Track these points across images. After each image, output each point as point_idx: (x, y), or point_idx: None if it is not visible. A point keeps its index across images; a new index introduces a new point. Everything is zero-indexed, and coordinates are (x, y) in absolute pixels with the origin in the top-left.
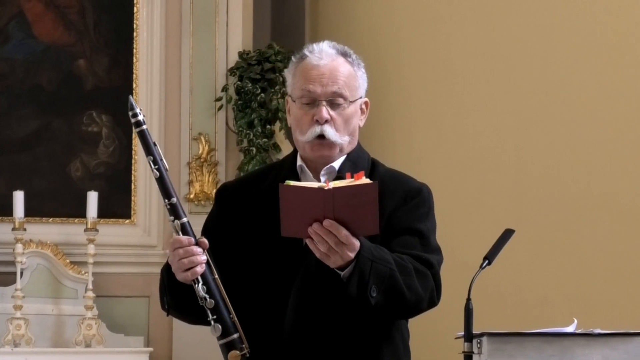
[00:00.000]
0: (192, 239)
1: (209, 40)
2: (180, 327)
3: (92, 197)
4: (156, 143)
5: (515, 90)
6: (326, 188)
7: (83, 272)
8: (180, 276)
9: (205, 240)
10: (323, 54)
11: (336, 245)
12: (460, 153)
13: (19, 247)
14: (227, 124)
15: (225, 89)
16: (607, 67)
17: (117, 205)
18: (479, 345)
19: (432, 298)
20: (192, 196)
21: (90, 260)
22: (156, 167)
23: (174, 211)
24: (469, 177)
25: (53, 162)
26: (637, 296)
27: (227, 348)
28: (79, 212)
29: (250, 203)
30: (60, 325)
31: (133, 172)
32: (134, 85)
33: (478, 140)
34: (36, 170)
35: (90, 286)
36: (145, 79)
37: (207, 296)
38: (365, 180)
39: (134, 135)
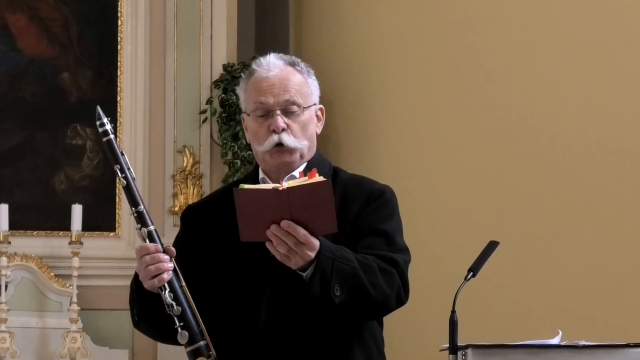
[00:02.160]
0: (159, 247)
1: (193, 53)
2: None
3: (77, 210)
4: (123, 152)
5: (497, 103)
6: (280, 189)
7: (67, 285)
8: (147, 284)
9: (172, 248)
10: (271, 65)
11: (295, 246)
12: (443, 166)
13: (4, 260)
14: (211, 136)
15: (209, 101)
16: (589, 80)
17: (102, 218)
18: (463, 357)
19: (399, 296)
20: (176, 209)
21: (75, 273)
22: (123, 175)
23: (141, 219)
24: (453, 190)
25: (37, 175)
26: (621, 308)
27: (194, 355)
28: (64, 225)
29: (216, 221)
30: (45, 339)
31: (117, 185)
32: (118, 98)
33: (461, 153)
34: (20, 184)
35: (74, 299)
36: (129, 91)
37: (174, 303)
38: (318, 178)
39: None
